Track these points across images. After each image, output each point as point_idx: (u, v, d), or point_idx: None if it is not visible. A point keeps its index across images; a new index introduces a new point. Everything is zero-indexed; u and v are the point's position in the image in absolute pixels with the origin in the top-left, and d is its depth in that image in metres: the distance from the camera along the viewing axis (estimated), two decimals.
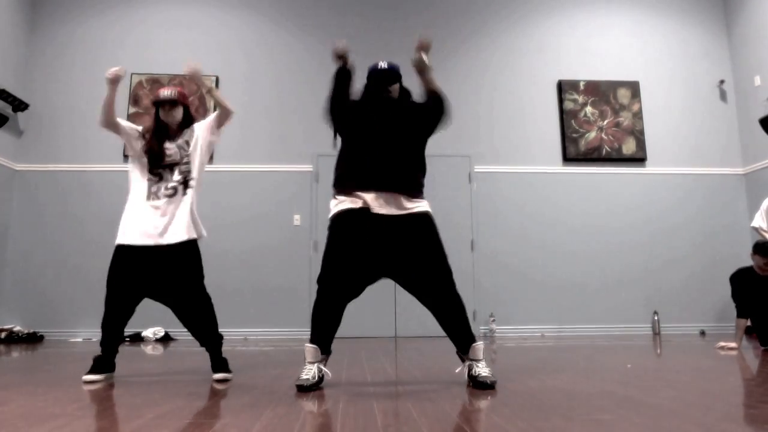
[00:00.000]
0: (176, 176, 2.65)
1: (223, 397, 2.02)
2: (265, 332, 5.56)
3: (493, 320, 5.67)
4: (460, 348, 2.32)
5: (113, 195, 5.88)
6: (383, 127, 2.40)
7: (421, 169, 2.45)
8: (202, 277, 2.64)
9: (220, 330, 2.69)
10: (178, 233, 2.57)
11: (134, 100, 6.03)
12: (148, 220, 2.58)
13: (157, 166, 2.67)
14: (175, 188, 2.63)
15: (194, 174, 2.69)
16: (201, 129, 2.78)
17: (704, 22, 6.62)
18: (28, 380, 2.46)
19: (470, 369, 2.25)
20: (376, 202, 2.29)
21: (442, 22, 6.46)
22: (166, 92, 2.70)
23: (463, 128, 6.08)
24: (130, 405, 1.84)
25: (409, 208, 2.32)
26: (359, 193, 2.32)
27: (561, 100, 6.27)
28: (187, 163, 2.68)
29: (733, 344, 3.90)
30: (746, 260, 4.22)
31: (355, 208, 2.30)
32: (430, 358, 3.54)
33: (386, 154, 2.35)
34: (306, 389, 2.16)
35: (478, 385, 2.18)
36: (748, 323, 4.01)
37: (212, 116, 2.82)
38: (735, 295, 4.05)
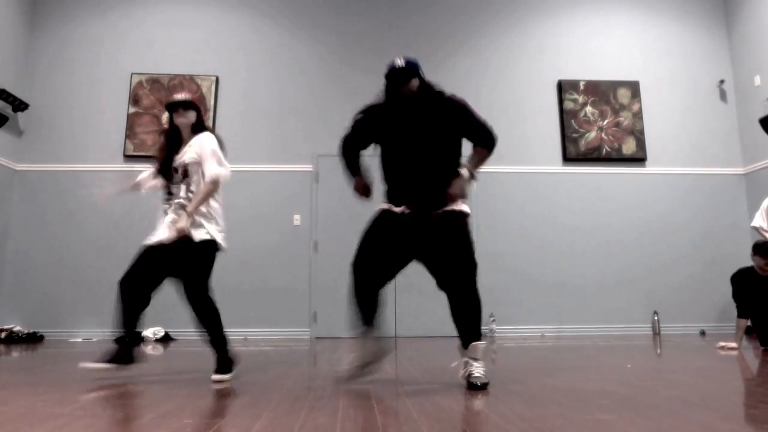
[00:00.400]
0: (183, 193, 2.71)
1: (223, 397, 2.02)
2: (265, 332, 5.56)
3: (493, 320, 5.67)
4: (463, 342, 2.30)
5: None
6: (410, 137, 2.36)
7: (453, 171, 2.37)
8: (199, 278, 2.62)
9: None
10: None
11: (134, 100, 6.03)
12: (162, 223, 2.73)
13: (169, 180, 2.75)
14: (182, 205, 2.68)
15: (195, 188, 2.72)
16: (194, 152, 2.75)
17: (704, 22, 6.62)
18: (28, 380, 2.46)
19: (466, 367, 2.24)
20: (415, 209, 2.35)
21: (443, 21, 6.46)
22: (179, 95, 2.78)
23: None
24: (130, 405, 1.84)
25: (445, 210, 2.34)
26: (399, 206, 2.37)
27: (561, 100, 6.27)
28: (188, 178, 2.73)
29: (733, 344, 3.90)
30: (746, 260, 4.22)
31: (395, 210, 2.35)
32: (430, 358, 3.54)
33: (418, 171, 2.33)
34: (358, 375, 2.29)
35: (469, 385, 2.18)
36: (749, 323, 4.01)
37: (207, 162, 2.73)
38: (736, 295, 4.05)
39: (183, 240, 2.58)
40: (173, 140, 2.79)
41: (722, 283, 5.35)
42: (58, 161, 5.93)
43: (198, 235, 2.62)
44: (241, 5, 6.38)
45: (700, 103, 6.41)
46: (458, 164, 2.40)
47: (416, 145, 2.34)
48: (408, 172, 2.35)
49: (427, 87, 2.43)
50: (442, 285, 2.33)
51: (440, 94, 2.43)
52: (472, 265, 2.34)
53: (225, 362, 2.59)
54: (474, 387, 2.15)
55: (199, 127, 2.79)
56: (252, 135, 6.05)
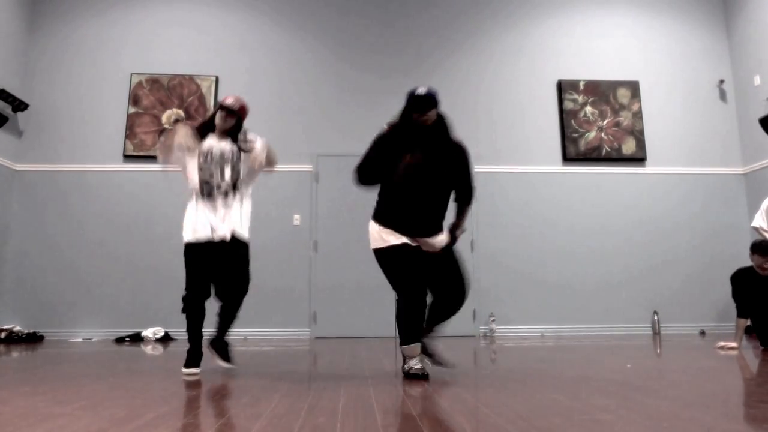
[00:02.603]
0: (228, 178, 2.83)
1: (223, 397, 2.02)
2: (265, 332, 5.56)
3: (493, 320, 5.67)
4: (427, 325, 2.67)
5: (113, 195, 5.88)
6: (422, 171, 2.54)
7: (446, 208, 2.68)
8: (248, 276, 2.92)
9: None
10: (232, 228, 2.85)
11: (134, 100, 6.03)
12: (205, 216, 2.84)
13: (212, 164, 2.84)
14: (225, 192, 2.82)
15: (240, 182, 2.87)
16: (257, 146, 2.89)
17: (704, 22, 6.62)
18: (28, 380, 2.46)
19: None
20: (410, 240, 2.59)
21: (443, 21, 6.46)
22: (230, 101, 2.90)
23: (463, 128, 6.03)
24: (130, 405, 1.84)
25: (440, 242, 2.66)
26: (397, 233, 2.57)
27: (561, 100, 6.27)
28: (238, 168, 2.86)
29: (733, 344, 3.90)
30: (746, 260, 4.22)
31: (397, 244, 2.55)
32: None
33: (423, 205, 2.58)
34: (423, 376, 2.46)
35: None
36: (748, 323, 4.01)
37: (258, 159, 2.91)
38: (735, 295, 4.05)
39: (234, 241, 2.80)
40: (206, 130, 2.91)
41: (722, 283, 5.36)
42: (58, 161, 5.93)
43: (245, 234, 2.88)
44: (241, 5, 6.38)
45: (699, 103, 6.41)
46: (447, 204, 2.68)
47: (426, 179, 2.55)
48: (413, 204, 2.56)
49: (442, 121, 2.61)
50: (437, 294, 2.66)
51: (450, 133, 2.64)
52: (464, 284, 2.67)
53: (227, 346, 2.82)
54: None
55: (234, 134, 2.90)
56: None
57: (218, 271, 2.78)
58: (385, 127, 2.59)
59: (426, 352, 2.64)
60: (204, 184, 2.80)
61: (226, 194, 2.81)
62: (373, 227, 2.60)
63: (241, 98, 2.97)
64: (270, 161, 2.93)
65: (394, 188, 2.59)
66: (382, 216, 2.61)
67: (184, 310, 2.75)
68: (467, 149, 2.69)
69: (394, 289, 2.56)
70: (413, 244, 2.56)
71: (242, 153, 2.86)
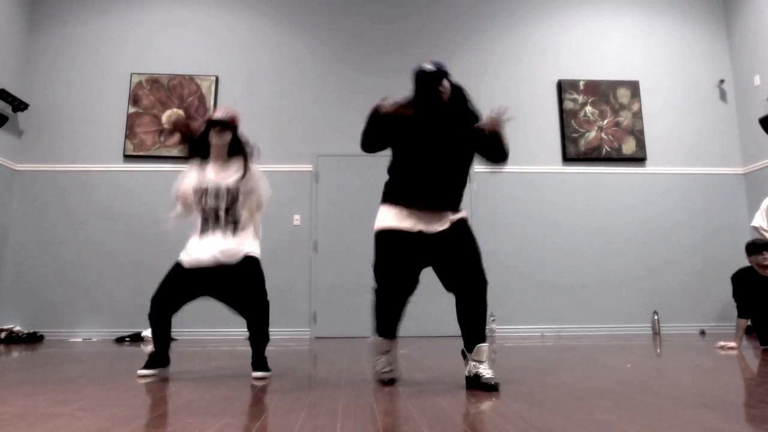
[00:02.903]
0: (223, 216, 2.71)
1: (224, 397, 2.02)
2: None
3: (493, 320, 5.67)
4: (466, 345, 2.30)
5: (113, 195, 5.88)
6: (437, 142, 2.39)
7: (465, 183, 2.49)
8: (264, 289, 2.73)
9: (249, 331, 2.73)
10: (238, 251, 2.70)
11: (134, 100, 6.03)
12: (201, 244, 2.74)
13: (207, 206, 2.74)
14: (223, 229, 2.71)
15: (240, 216, 2.74)
16: (249, 190, 2.78)
17: (704, 22, 6.62)
18: (28, 380, 2.46)
19: (472, 369, 2.24)
20: (422, 220, 2.36)
21: (443, 21, 6.46)
22: (219, 114, 2.76)
23: None
24: (130, 405, 1.84)
25: (451, 220, 2.38)
26: (408, 210, 2.37)
27: (561, 100, 6.27)
28: (234, 207, 2.73)
29: (733, 344, 3.90)
30: (746, 260, 4.22)
31: (400, 229, 2.35)
32: (430, 358, 3.54)
33: (439, 173, 2.39)
34: (389, 382, 2.35)
35: (482, 387, 2.16)
36: (749, 323, 4.01)
37: (259, 201, 2.85)
38: (736, 295, 4.05)
39: (245, 260, 2.65)
40: (198, 151, 2.80)
41: (722, 283, 5.36)
42: (58, 161, 5.93)
43: (255, 251, 2.72)
44: (241, 5, 6.38)
45: (700, 103, 6.41)
46: (467, 177, 2.49)
47: (440, 156, 2.39)
48: (427, 176, 2.38)
49: (459, 92, 2.49)
50: (452, 288, 2.34)
51: (468, 104, 2.50)
52: (483, 271, 2.34)
53: (265, 360, 2.67)
54: (488, 387, 2.14)
55: (235, 148, 2.80)
56: (252, 135, 5.98)
57: (229, 295, 2.71)
58: (384, 104, 2.41)
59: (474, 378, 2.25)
60: (204, 221, 2.73)
61: (226, 225, 2.71)
62: (382, 209, 2.45)
63: (229, 108, 2.83)
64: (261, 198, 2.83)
65: (406, 161, 2.43)
66: (392, 194, 2.44)
67: (150, 315, 2.71)
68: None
69: (374, 275, 2.42)
70: (415, 231, 2.34)
71: (239, 190, 2.73)
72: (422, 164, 2.40)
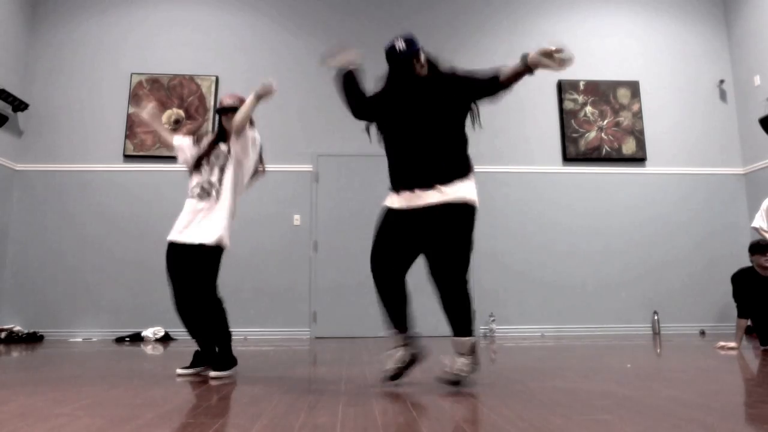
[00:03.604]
0: (214, 178, 2.77)
1: (223, 397, 2.02)
2: (265, 332, 5.56)
3: (493, 320, 5.67)
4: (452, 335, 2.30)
5: (113, 195, 5.88)
6: (408, 117, 2.33)
7: (457, 146, 2.34)
8: (208, 282, 2.66)
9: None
10: (195, 236, 2.69)
11: (134, 100, 6.03)
12: (181, 217, 2.78)
13: (199, 164, 2.83)
14: (208, 191, 2.75)
15: (227, 182, 2.78)
16: (243, 141, 2.84)
17: (704, 22, 6.62)
18: (28, 380, 2.46)
19: (452, 361, 2.24)
20: (412, 197, 2.30)
21: (443, 21, 6.46)
22: (228, 101, 2.89)
23: None
24: (130, 405, 1.84)
25: (446, 195, 2.25)
26: (400, 192, 2.34)
27: (561, 100, 6.27)
28: (226, 169, 2.80)
29: (733, 344, 3.90)
30: (746, 260, 4.22)
31: (393, 207, 2.35)
32: (430, 358, 3.54)
33: (413, 149, 2.31)
34: (395, 377, 2.30)
35: (441, 379, 2.16)
36: (749, 323, 4.01)
37: (246, 107, 2.89)
38: (736, 295, 4.05)
39: (199, 247, 2.66)
40: (220, 138, 2.89)
41: (722, 283, 5.36)
42: (58, 161, 5.93)
43: (210, 238, 2.68)
44: (241, 5, 6.38)
45: (700, 103, 6.41)
46: (459, 139, 2.37)
47: (412, 130, 2.32)
48: (402, 156, 2.34)
49: (434, 66, 2.43)
50: (432, 275, 2.28)
51: (439, 69, 2.42)
52: (462, 260, 2.24)
53: (225, 359, 2.65)
54: (448, 380, 2.14)
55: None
56: None
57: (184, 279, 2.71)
58: (329, 58, 2.45)
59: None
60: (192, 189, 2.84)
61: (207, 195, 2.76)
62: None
63: (236, 93, 2.96)
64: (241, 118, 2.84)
65: (387, 143, 2.43)
66: (389, 178, 2.43)
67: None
68: (465, 70, 2.45)
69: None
70: (402, 207, 2.30)
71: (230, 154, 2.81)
72: (397, 145, 2.36)
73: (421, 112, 2.33)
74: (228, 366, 2.63)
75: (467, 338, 2.25)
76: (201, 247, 2.66)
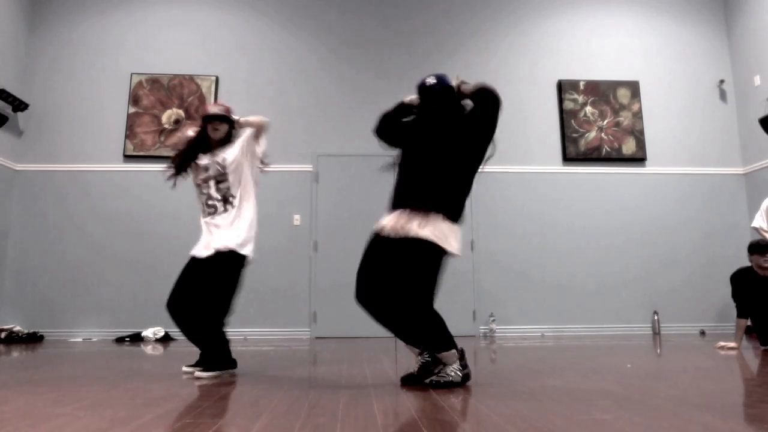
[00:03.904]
0: (215, 193, 2.79)
1: (223, 397, 2.02)
2: (265, 332, 5.56)
3: (493, 320, 5.67)
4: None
5: (113, 195, 5.88)
6: (423, 146, 2.42)
7: (445, 186, 2.33)
8: (220, 289, 2.71)
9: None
10: (212, 247, 2.75)
11: (134, 100, 6.03)
12: (201, 238, 2.84)
13: (198, 180, 2.86)
14: (215, 206, 2.78)
15: (234, 192, 2.80)
16: (237, 150, 2.85)
17: (704, 22, 6.62)
18: (28, 380, 2.46)
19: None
20: (390, 223, 2.29)
21: (443, 21, 6.46)
22: (215, 109, 2.88)
23: None
24: (130, 405, 1.84)
25: (410, 232, 2.22)
26: (390, 214, 2.35)
27: (561, 100, 6.27)
28: (225, 181, 2.80)
29: (732, 344, 3.90)
30: (746, 260, 4.22)
31: (374, 230, 2.38)
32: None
33: (415, 173, 2.38)
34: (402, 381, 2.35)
35: (431, 385, 2.21)
36: (748, 323, 4.01)
37: (245, 136, 2.91)
38: (735, 295, 4.05)
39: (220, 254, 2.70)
40: (198, 147, 2.88)
41: (722, 283, 5.35)
42: (58, 161, 5.93)
43: (224, 244, 2.74)
44: (241, 5, 6.38)
45: (700, 103, 6.41)
46: (457, 181, 2.39)
47: (421, 157, 2.40)
48: (403, 177, 2.43)
49: (455, 104, 2.46)
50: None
51: (459, 107, 2.46)
52: (406, 291, 2.21)
53: (213, 360, 2.66)
54: (435, 387, 2.20)
55: (228, 138, 2.88)
56: None
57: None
58: (406, 101, 2.55)
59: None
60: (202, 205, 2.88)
61: (215, 210, 2.80)
62: None
63: (221, 102, 3.04)
64: (257, 127, 2.89)
65: (399, 165, 2.49)
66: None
67: None
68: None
69: None
70: (382, 231, 2.30)
71: (225, 165, 2.80)
72: (404, 168, 2.45)
73: (436, 145, 2.40)
74: (214, 368, 2.63)
75: (445, 353, 2.24)
76: (216, 254, 2.71)
